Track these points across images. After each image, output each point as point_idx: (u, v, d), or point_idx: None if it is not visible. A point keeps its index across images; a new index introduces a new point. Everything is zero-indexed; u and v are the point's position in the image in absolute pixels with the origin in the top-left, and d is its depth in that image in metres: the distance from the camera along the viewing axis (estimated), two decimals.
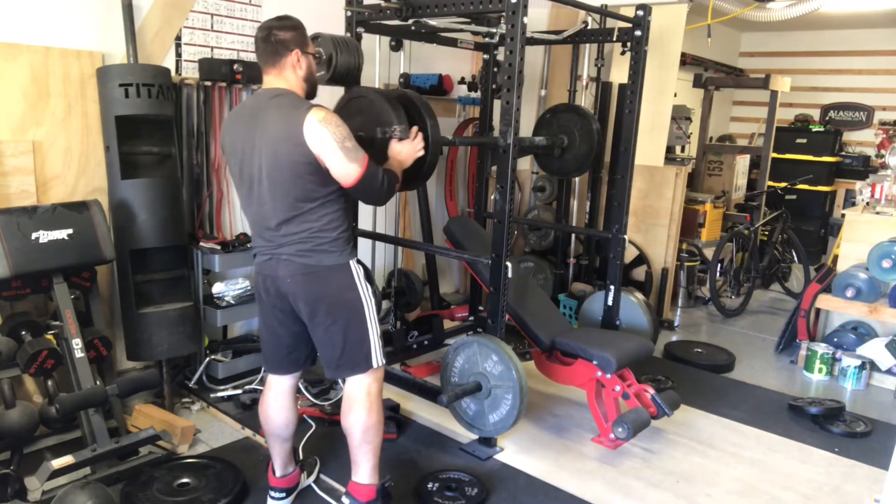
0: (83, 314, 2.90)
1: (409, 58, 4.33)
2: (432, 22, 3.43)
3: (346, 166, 2.07)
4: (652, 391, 2.96)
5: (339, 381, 3.13)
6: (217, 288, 3.38)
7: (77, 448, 2.54)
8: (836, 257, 4.45)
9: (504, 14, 2.65)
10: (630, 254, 4.70)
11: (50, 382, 2.75)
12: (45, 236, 2.61)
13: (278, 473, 2.45)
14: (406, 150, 2.45)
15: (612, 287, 3.64)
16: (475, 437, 2.95)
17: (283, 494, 2.45)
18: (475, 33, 3.56)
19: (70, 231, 2.67)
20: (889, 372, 3.88)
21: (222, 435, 3.01)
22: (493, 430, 2.84)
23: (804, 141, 6.97)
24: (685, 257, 5.05)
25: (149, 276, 3.14)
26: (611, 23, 3.70)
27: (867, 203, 4.39)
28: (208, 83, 3.36)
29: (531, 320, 3.20)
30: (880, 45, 6.93)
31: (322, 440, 2.95)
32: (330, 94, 3.36)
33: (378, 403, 2.28)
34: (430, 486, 2.59)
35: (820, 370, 3.99)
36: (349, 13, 3.19)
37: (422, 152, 2.50)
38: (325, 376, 2.45)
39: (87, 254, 2.72)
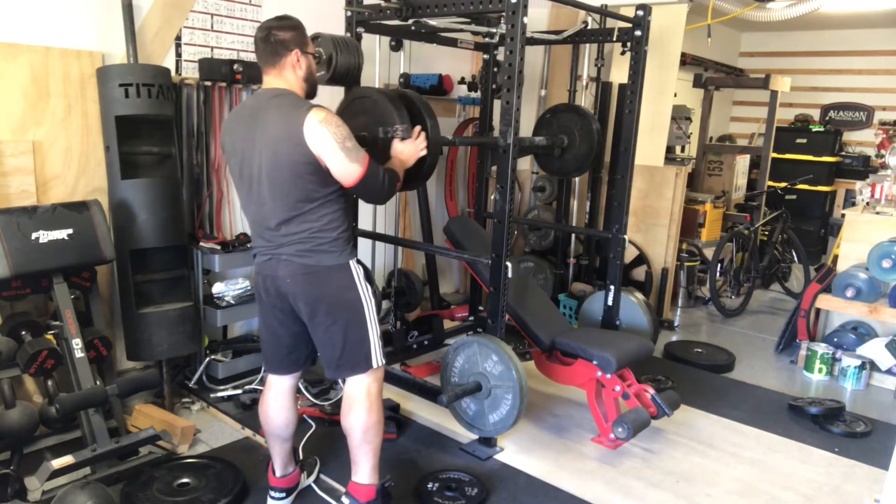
0: (83, 314, 2.90)
1: (409, 58, 4.33)
2: (432, 22, 3.43)
3: (347, 166, 2.08)
4: (652, 391, 2.96)
5: (339, 381, 3.13)
6: (217, 288, 3.38)
7: (77, 448, 2.54)
8: (836, 257, 4.45)
9: (504, 14, 2.65)
10: (630, 254, 4.70)
11: (50, 382, 2.75)
12: (45, 236, 2.60)
13: (278, 473, 2.45)
14: (408, 149, 2.46)
15: (612, 287, 3.64)
16: (475, 437, 2.95)
17: (283, 494, 2.45)
18: (475, 33, 3.56)
19: (70, 231, 2.67)
20: (889, 372, 3.88)
21: (222, 435, 3.01)
22: (493, 430, 2.84)
23: (804, 141, 6.97)
24: (685, 257, 5.05)
25: (149, 276, 3.14)
26: (611, 23, 3.70)
27: (867, 203, 4.39)
28: (208, 83, 3.36)
29: (531, 320, 3.20)
30: (880, 45, 6.93)
31: (322, 440, 2.95)
32: (330, 94, 3.37)
33: (378, 403, 2.28)
34: (430, 486, 2.59)
35: (820, 370, 3.99)
36: (349, 13, 3.19)
37: (424, 152, 2.51)
38: (325, 376, 2.46)
39: (87, 254, 2.72)
